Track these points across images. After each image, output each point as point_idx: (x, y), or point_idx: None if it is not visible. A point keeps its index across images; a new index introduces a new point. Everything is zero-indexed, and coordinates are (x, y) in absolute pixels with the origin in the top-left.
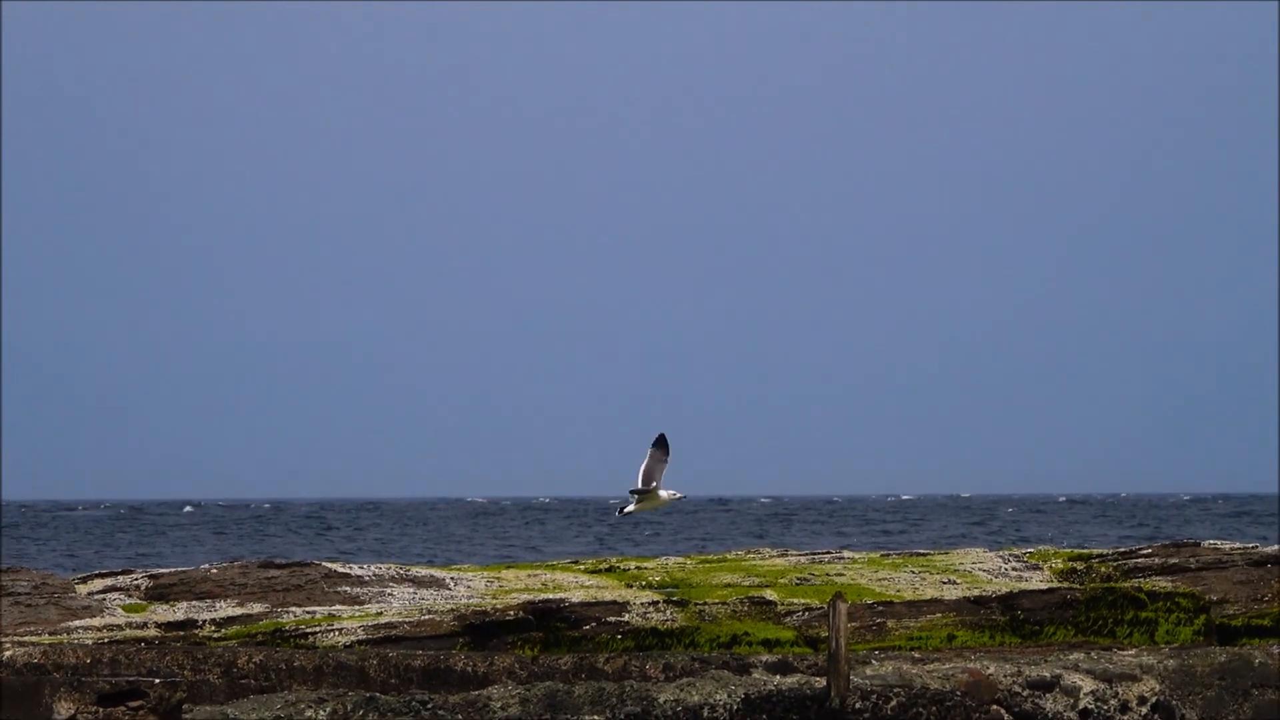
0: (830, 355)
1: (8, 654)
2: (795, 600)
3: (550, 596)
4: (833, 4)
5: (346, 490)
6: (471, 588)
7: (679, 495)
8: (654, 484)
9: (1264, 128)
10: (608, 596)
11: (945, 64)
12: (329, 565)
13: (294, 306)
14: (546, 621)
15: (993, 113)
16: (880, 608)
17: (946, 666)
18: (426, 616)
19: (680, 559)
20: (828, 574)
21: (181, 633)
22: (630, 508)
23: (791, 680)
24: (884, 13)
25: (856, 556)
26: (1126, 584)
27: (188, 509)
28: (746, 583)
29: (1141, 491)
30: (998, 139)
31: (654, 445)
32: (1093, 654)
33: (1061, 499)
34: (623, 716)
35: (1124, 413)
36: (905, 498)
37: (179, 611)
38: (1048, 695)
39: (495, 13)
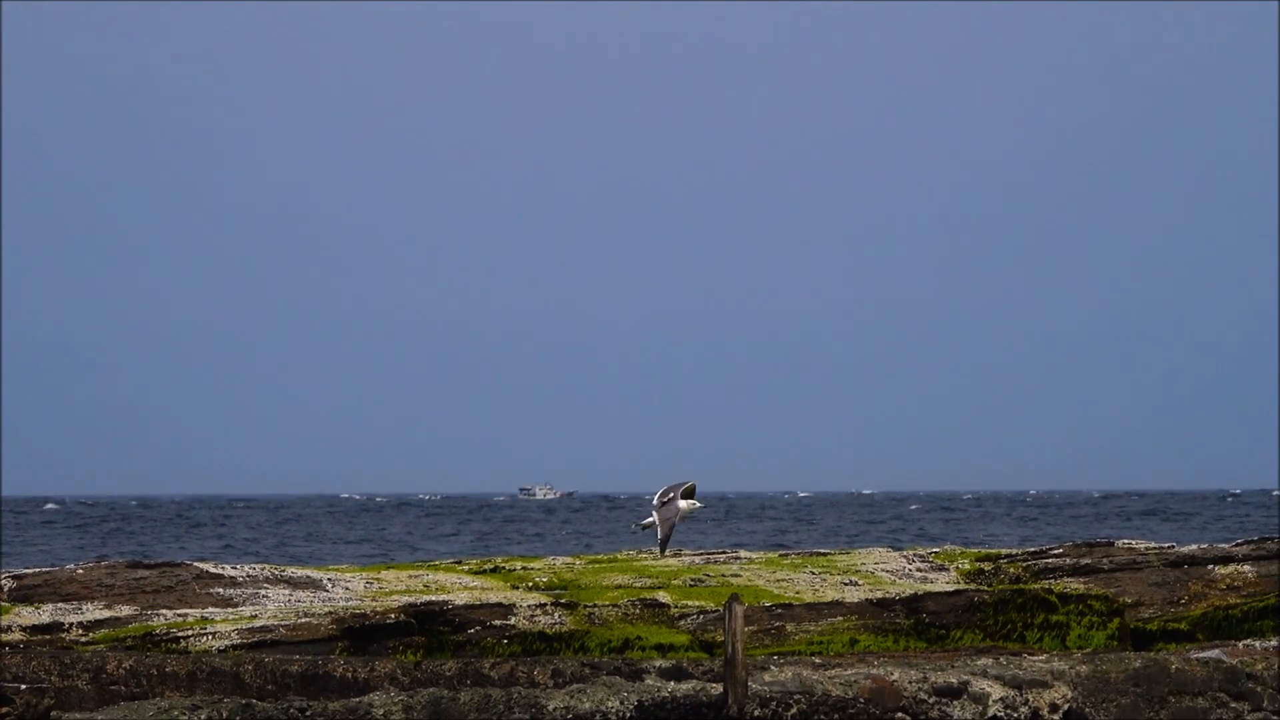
0: (734, 354)
1: None
2: (689, 603)
3: (433, 598)
4: (812, 3)
5: (216, 486)
6: (350, 589)
7: (698, 505)
8: (671, 496)
9: (1264, 126)
10: (493, 598)
11: (940, 63)
12: (200, 565)
13: (140, 300)
14: (429, 625)
15: (991, 111)
16: (779, 610)
17: (849, 672)
18: (303, 620)
19: (568, 559)
20: (723, 575)
21: (47, 636)
22: (648, 520)
23: (686, 687)
24: (866, 12)
25: (753, 556)
26: (1037, 586)
27: (49, 506)
28: (638, 584)
29: (1058, 488)
30: (991, 138)
31: (684, 495)
32: (1001, 659)
33: (967, 496)
34: None
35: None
36: (802, 495)
37: (44, 614)
38: (955, 702)
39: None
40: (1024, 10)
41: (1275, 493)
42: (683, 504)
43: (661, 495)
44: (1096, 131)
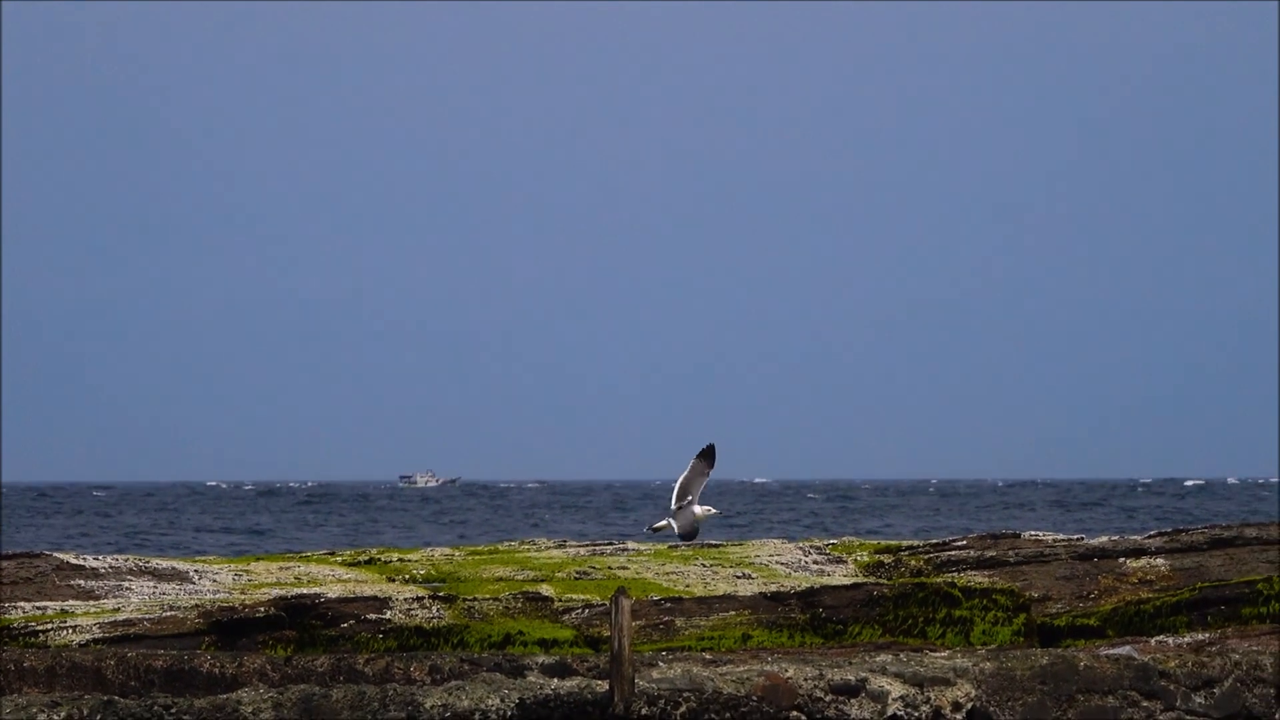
0: (625, 339)
1: None
2: (574, 596)
3: (304, 591)
4: (790, 3)
5: (73, 474)
6: (218, 581)
7: (714, 512)
8: (689, 499)
9: (1264, 124)
10: (367, 591)
11: (928, 55)
12: (60, 556)
13: None
14: (300, 619)
15: (990, 105)
16: (668, 604)
17: (741, 669)
18: (169, 613)
19: (447, 550)
20: (610, 567)
21: None
22: (660, 524)
23: (570, 684)
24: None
25: (641, 548)
26: (939, 579)
27: None
28: (520, 577)
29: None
30: (990, 129)
31: (699, 456)
32: (902, 655)
33: (866, 485)
34: None
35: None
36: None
37: None
38: (852, 701)
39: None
40: (1029, 9)
41: (1188, 483)
42: (698, 510)
43: (679, 495)
44: (1083, 125)
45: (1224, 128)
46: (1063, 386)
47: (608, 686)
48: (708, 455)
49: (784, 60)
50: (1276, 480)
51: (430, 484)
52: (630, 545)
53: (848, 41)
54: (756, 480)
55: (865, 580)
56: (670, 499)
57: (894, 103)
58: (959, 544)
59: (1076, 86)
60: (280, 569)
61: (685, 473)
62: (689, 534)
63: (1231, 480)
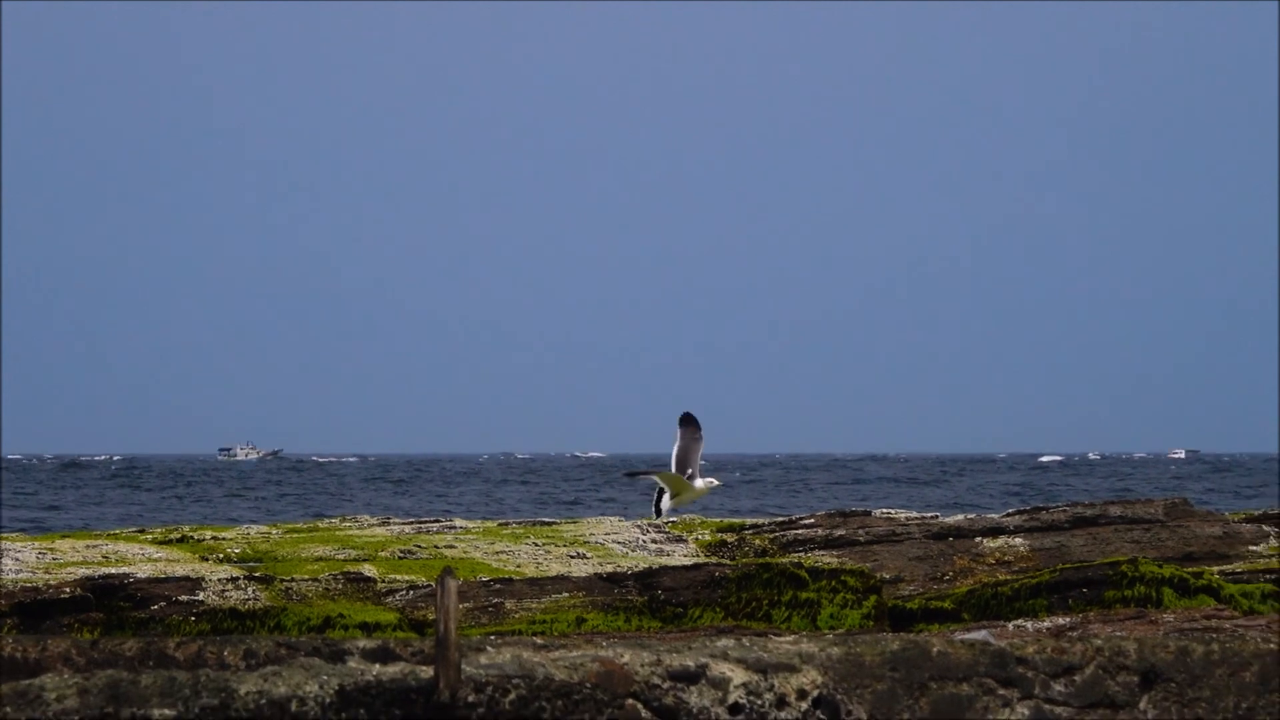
0: (453, 318)
1: None
2: (398, 577)
3: (112, 571)
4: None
5: None
6: (20, 560)
7: (715, 483)
8: (689, 471)
9: (1263, 121)
10: (179, 571)
11: (939, 56)
12: None
13: None
14: (108, 600)
15: (991, 100)
16: (497, 586)
17: (574, 654)
18: None
19: (264, 528)
20: (436, 546)
21: None
22: (666, 503)
23: (393, 669)
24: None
25: (470, 526)
26: (785, 559)
27: None
28: (341, 556)
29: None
30: (993, 117)
31: (682, 424)
32: (745, 640)
33: (703, 463)
34: (197, 710)
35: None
36: (520, 456)
37: None
38: (692, 688)
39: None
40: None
41: (1043, 458)
42: (700, 484)
43: (678, 467)
44: (1087, 118)
45: (1217, 121)
46: (919, 362)
47: (433, 672)
48: (690, 422)
49: (787, 43)
50: (1141, 456)
51: (251, 457)
52: (458, 523)
53: (848, 19)
54: (590, 454)
55: (707, 561)
56: (670, 470)
57: (898, 86)
58: (806, 522)
59: (1088, 69)
60: (87, 547)
61: (678, 442)
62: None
63: (1094, 456)
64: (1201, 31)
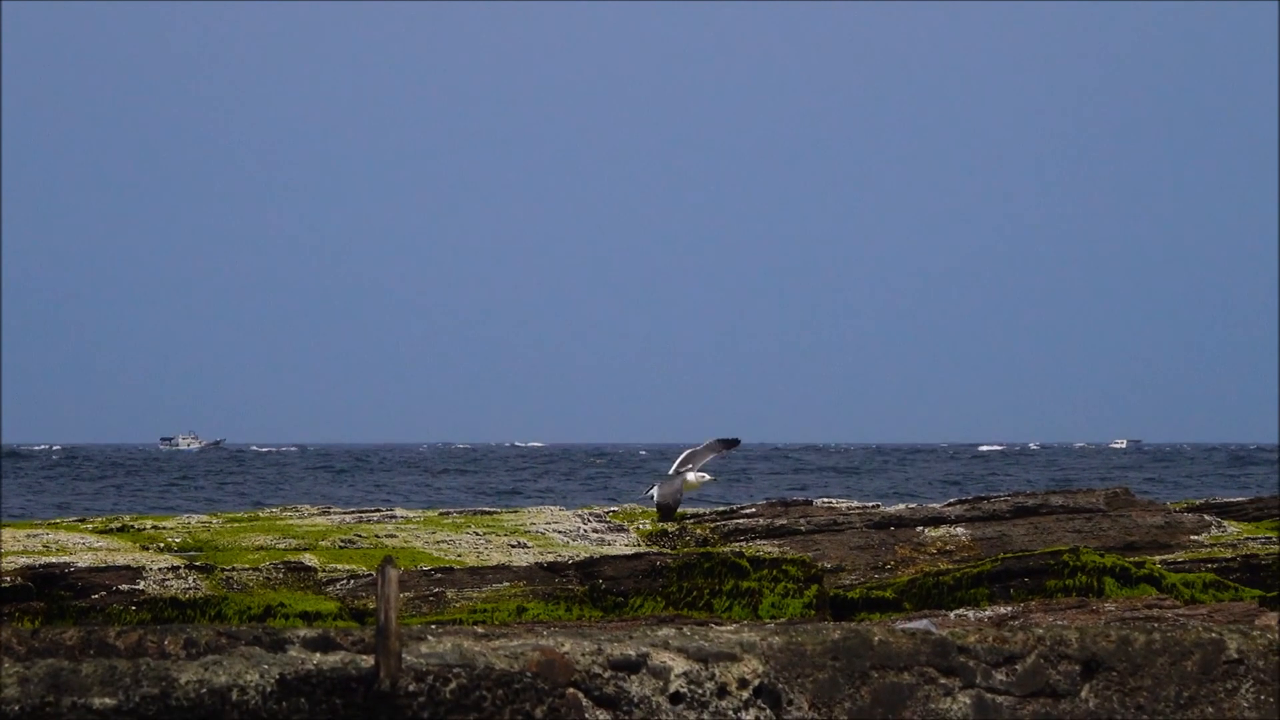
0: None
1: None
2: (339, 566)
3: (53, 560)
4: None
5: None
6: None
7: (707, 478)
8: (688, 466)
9: (1264, 118)
10: (120, 561)
11: (943, 53)
12: None
13: None
14: (48, 589)
15: (994, 97)
16: (438, 575)
17: (515, 643)
18: None
19: (205, 517)
20: (377, 535)
21: None
22: (655, 491)
23: (334, 659)
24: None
25: (411, 515)
26: (725, 549)
27: None
28: (282, 545)
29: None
30: (997, 117)
31: (720, 440)
32: (686, 629)
33: (643, 452)
34: (138, 699)
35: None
36: (460, 446)
37: None
38: (633, 677)
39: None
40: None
41: (982, 447)
42: (691, 476)
43: (681, 463)
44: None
45: (1175, 117)
46: (858, 352)
47: (373, 661)
48: (733, 443)
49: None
50: (1081, 446)
51: (193, 446)
52: (399, 512)
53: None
54: (531, 444)
55: (648, 550)
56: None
57: (907, 87)
58: (748, 511)
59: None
60: (27, 536)
61: (700, 446)
62: (668, 504)
63: (1034, 445)
64: (1201, 31)
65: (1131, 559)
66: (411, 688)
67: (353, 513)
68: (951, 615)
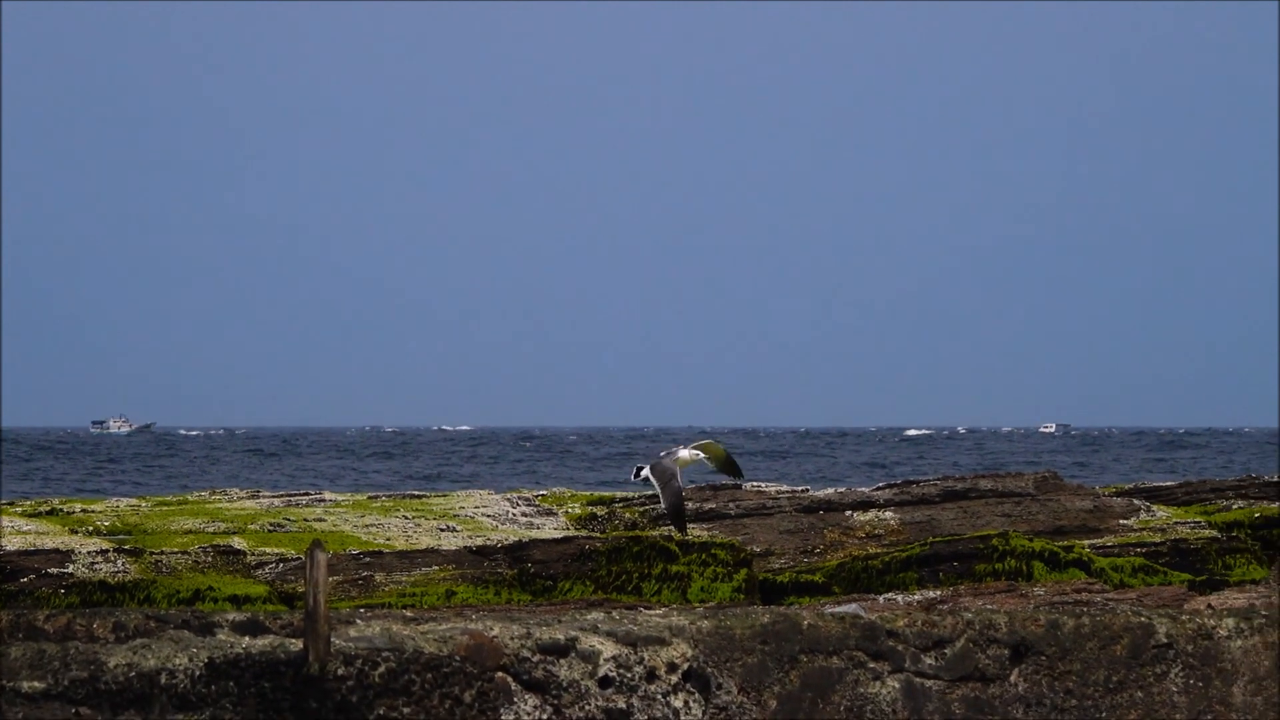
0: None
1: None
2: (268, 550)
3: None
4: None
5: None
6: None
7: (701, 456)
8: (679, 447)
9: (1264, 117)
10: (49, 544)
11: (950, 52)
12: None
13: None
14: None
15: (998, 95)
16: (367, 559)
17: (444, 627)
18: None
19: (134, 501)
20: (306, 519)
21: None
22: (647, 471)
23: (263, 642)
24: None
25: (340, 499)
26: (655, 533)
27: None
28: (211, 529)
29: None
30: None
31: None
32: (614, 613)
33: (572, 436)
34: (67, 682)
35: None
36: (388, 429)
37: None
38: (562, 661)
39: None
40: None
41: (909, 432)
42: (684, 453)
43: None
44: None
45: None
46: (786, 336)
47: (302, 645)
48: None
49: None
50: (1009, 430)
51: (123, 430)
52: (328, 496)
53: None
54: (460, 428)
55: (577, 534)
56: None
57: (925, 88)
58: None
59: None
60: None
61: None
62: (673, 499)
63: (961, 430)
64: (1201, 31)
65: (1060, 543)
66: (340, 671)
67: (282, 496)
68: (880, 599)
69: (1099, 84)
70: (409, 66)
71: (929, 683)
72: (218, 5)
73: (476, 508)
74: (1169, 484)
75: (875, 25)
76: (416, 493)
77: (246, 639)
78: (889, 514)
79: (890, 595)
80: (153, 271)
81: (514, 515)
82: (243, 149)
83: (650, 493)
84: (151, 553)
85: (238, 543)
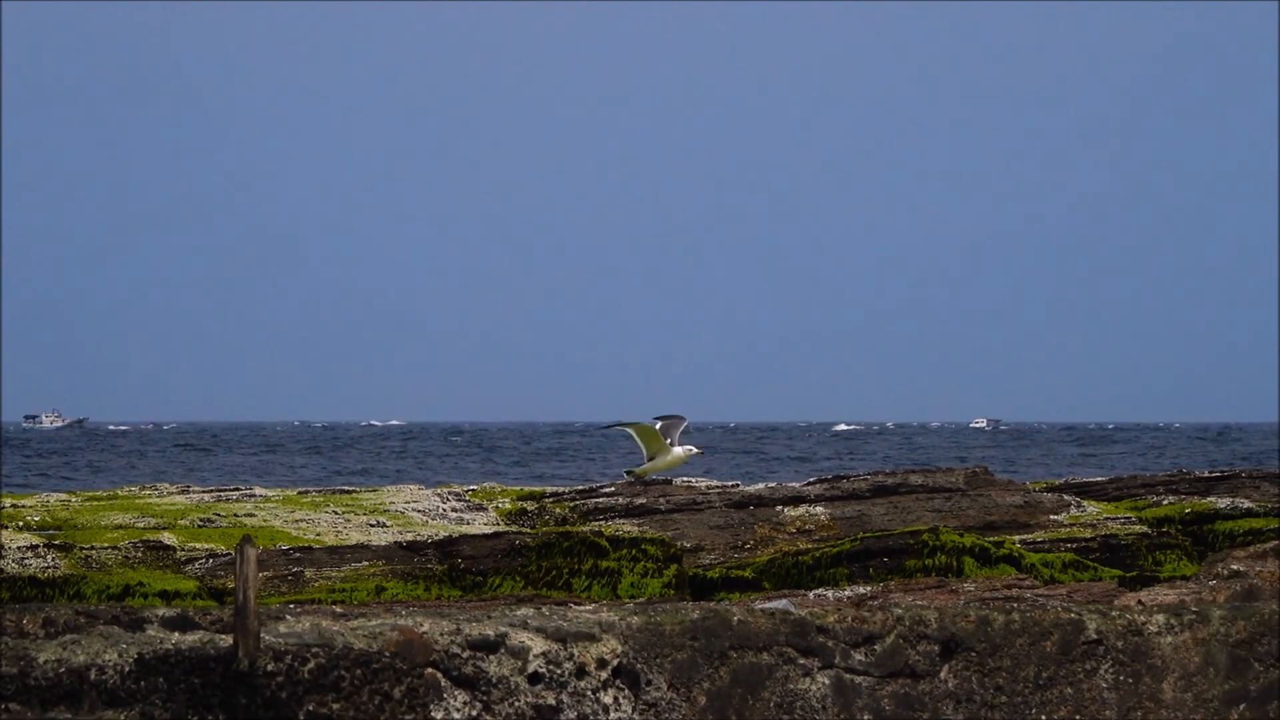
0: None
1: None
2: (198, 545)
3: None
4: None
5: None
6: None
7: (695, 451)
8: (669, 440)
9: (1264, 117)
10: None
11: (953, 52)
12: None
13: None
14: None
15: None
16: (297, 554)
17: (374, 623)
18: None
19: (64, 496)
20: (236, 514)
21: None
22: (643, 465)
23: (192, 638)
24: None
25: (270, 494)
26: (585, 528)
27: None
28: (141, 524)
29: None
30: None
31: (665, 418)
32: (544, 609)
33: (501, 431)
34: None
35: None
36: (317, 425)
37: None
38: (491, 657)
39: None
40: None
41: (838, 427)
42: (680, 450)
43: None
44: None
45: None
46: (712, 331)
47: (232, 641)
48: (674, 416)
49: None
50: (938, 425)
51: (56, 424)
52: (258, 491)
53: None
54: (392, 422)
55: (507, 529)
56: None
57: (924, 85)
58: (607, 490)
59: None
60: None
61: (661, 422)
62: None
63: (890, 424)
64: (1202, 31)
65: (991, 539)
66: (270, 667)
67: (212, 491)
68: (811, 595)
69: (1069, 87)
70: (405, 64)
71: (859, 679)
72: (217, 5)
73: (407, 503)
74: (1099, 479)
75: (879, 25)
76: (347, 488)
77: (176, 635)
78: (819, 509)
79: (821, 591)
80: (85, 266)
81: (444, 510)
82: (152, 145)
83: (581, 487)
84: (82, 548)
85: (168, 538)
